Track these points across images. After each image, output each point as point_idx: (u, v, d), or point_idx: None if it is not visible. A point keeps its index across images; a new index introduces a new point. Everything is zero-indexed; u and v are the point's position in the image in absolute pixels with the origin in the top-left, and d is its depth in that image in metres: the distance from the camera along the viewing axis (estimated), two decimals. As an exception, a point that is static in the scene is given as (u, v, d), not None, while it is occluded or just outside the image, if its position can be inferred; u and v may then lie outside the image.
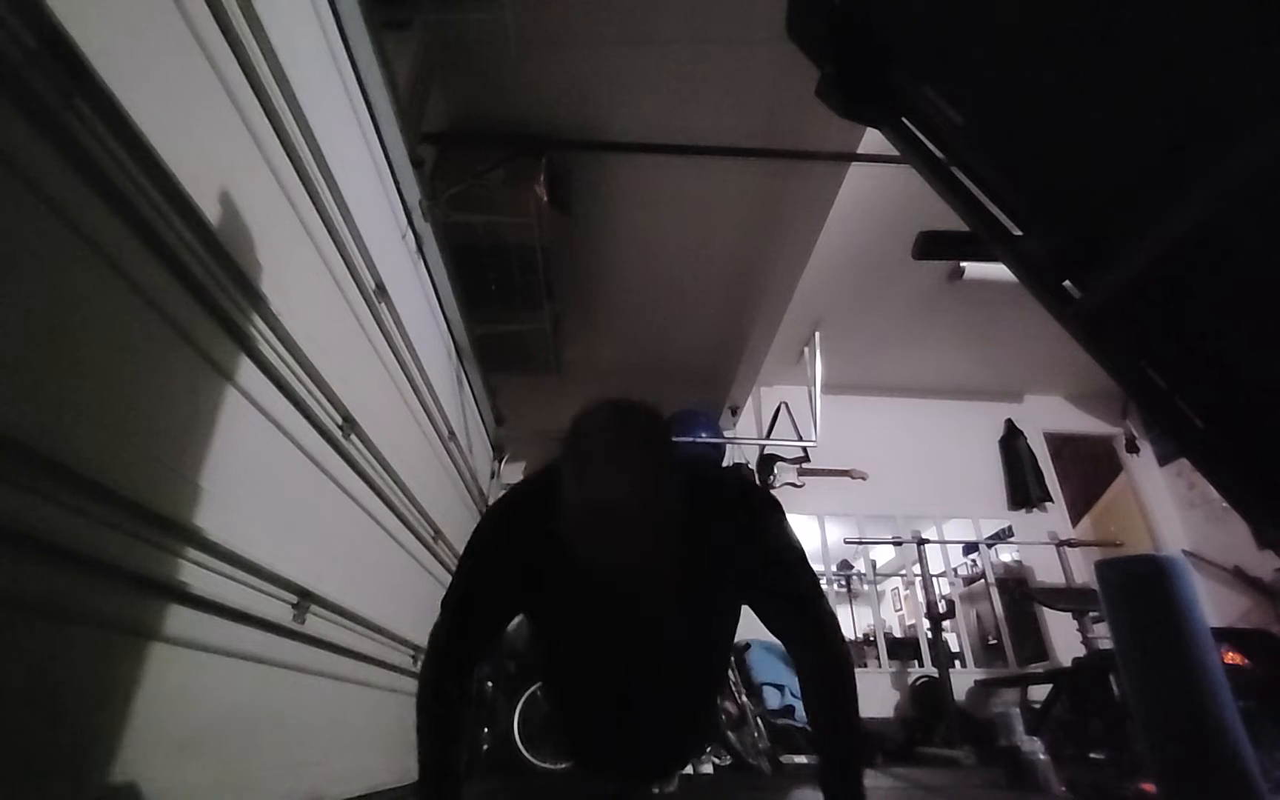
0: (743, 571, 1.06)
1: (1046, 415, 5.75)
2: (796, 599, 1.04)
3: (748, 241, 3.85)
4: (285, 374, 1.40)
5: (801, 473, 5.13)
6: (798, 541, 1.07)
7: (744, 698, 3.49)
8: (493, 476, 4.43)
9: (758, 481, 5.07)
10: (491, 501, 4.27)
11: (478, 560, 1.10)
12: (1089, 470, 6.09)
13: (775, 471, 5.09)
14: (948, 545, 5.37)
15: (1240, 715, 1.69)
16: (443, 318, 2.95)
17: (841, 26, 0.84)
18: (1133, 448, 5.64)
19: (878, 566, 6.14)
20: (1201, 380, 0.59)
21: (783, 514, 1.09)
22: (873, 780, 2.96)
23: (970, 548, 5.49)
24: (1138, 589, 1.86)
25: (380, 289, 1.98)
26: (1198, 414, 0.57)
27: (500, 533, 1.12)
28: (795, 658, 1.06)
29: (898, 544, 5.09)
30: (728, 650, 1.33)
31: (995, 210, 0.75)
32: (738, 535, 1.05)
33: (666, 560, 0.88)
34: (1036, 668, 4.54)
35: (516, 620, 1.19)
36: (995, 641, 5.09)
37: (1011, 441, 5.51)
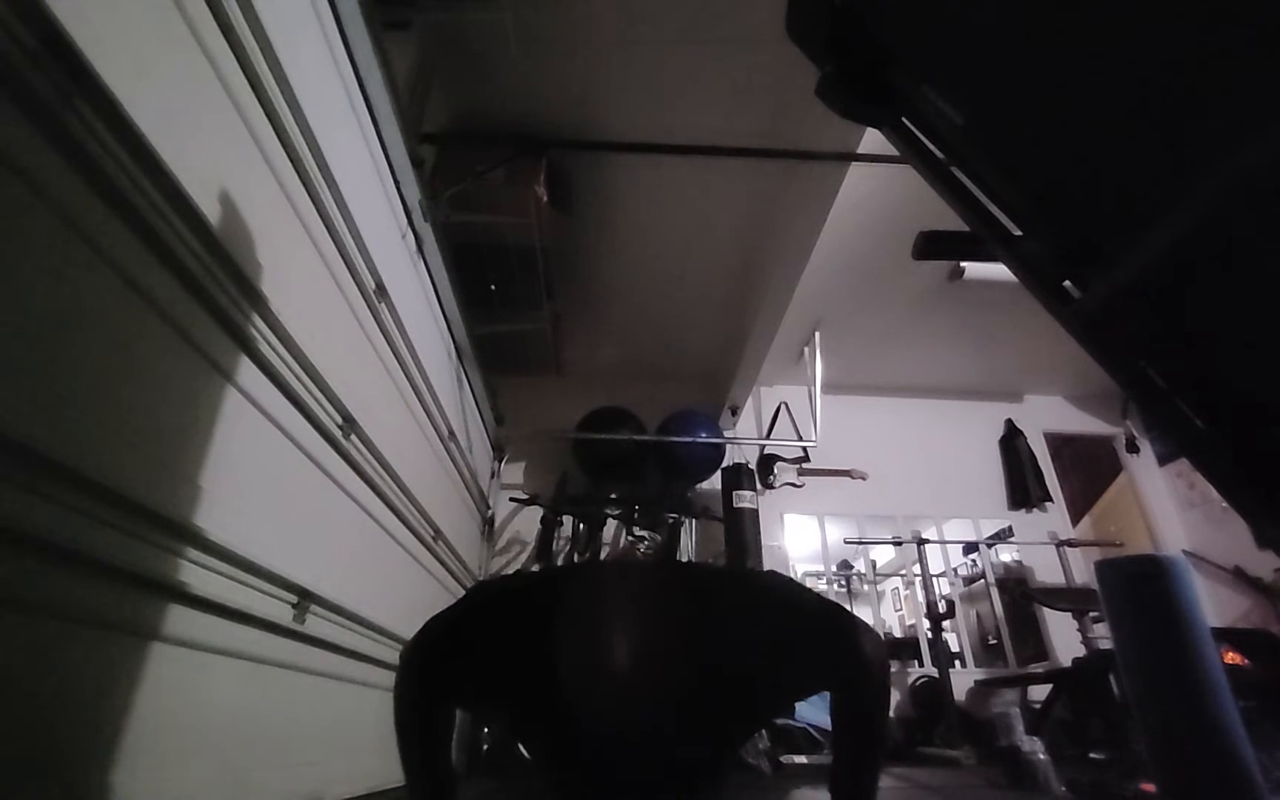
0: (773, 682, 0.98)
1: (1046, 415, 5.75)
2: (829, 632, 0.96)
3: (748, 241, 3.85)
4: (285, 374, 1.40)
5: (801, 473, 5.13)
6: (811, 593, 1.01)
7: (744, 698, 3.48)
8: (493, 476, 4.43)
9: (758, 482, 5.07)
10: (491, 501, 4.28)
11: (475, 601, 1.05)
12: (1089, 470, 6.09)
13: (775, 471, 5.09)
14: (948, 545, 5.36)
15: (1240, 715, 1.69)
16: (443, 318, 2.95)
17: (841, 26, 0.84)
18: (1133, 448, 5.64)
19: (878, 566, 6.13)
20: (1202, 380, 0.59)
21: (787, 578, 1.04)
22: (873, 780, 2.95)
23: (970, 548, 5.49)
24: (1138, 589, 1.86)
25: (380, 289, 1.98)
26: (1198, 414, 0.57)
27: (501, 598, 1.05)
28: (837, 697, 0.96)
29: (898, 544, 5.08)
30: (745, 734, 1.19)
31: (995, 210, 0.74)
32: (749, 625, 0.96)
33: (665, 707, 0.82)
34: (1036, 668, 4.53)
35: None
36: (995, 641, 5.09)
37: (1011, 441, 5.51)
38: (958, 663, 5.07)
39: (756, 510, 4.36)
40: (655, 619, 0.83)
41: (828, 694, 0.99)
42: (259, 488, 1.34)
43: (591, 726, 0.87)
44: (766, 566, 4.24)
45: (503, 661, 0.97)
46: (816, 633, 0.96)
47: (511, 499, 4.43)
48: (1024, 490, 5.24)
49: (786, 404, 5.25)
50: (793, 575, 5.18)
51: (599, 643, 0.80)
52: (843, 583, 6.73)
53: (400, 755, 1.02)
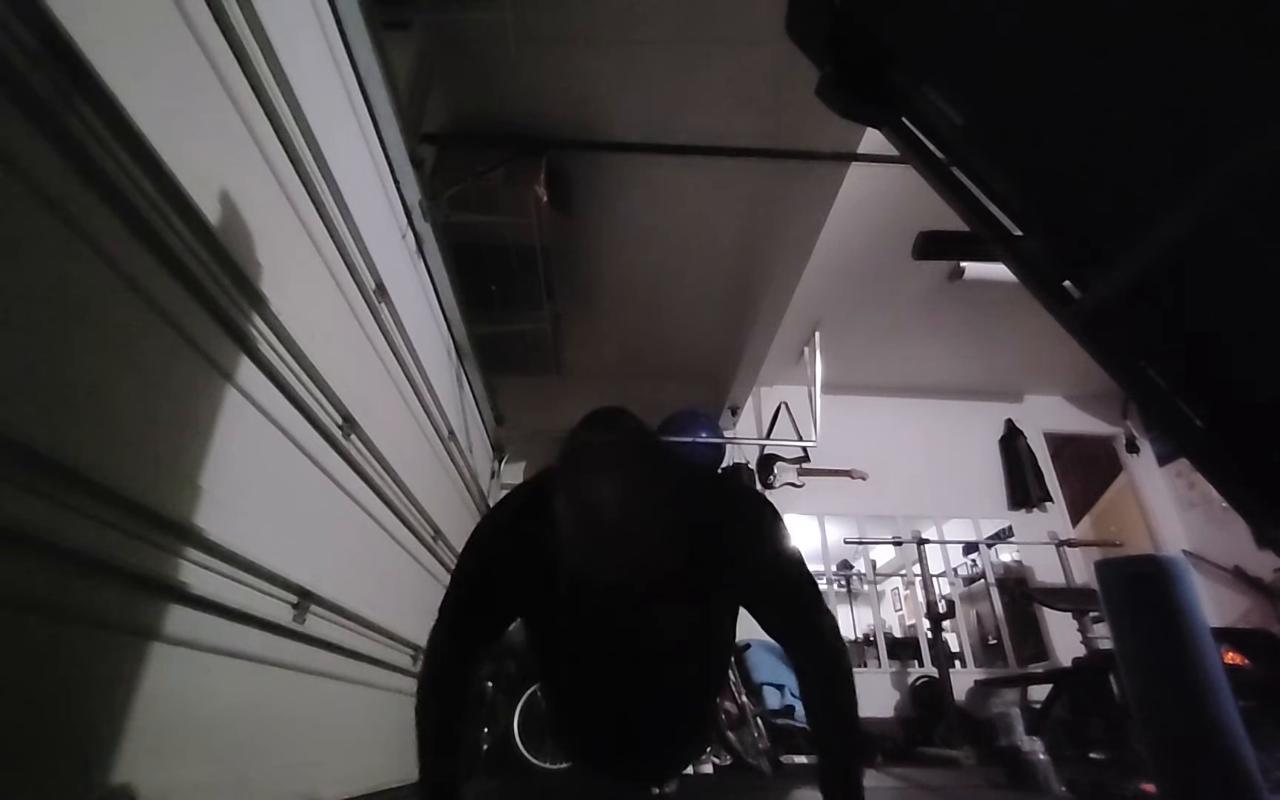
0: (741, 574, 1.06)
1: (1046, 415, 5.75)
2: (794, 600, 1.05)
3: (748, 241, 3.85)
4: (285, 374, 1.40)
5: (801, 473, 5.13)
6: (794, 545, 1.07)
7: (744, 698, 3.49)
8: (493, 476, 4.43)
9: (758, 483, 5.07)
10: (492, 502, 4.29)
11: (474, 564, 1.10)
12: (1089, 470, 6.09)
13: (775, 471, 5.09)
14: (948, 545, 5.37)
15: (1240, 715, 1.69)
16: (443, 318, 2.95)
17: (841, 26, 0.84)
18: (1133, 448, 5.64)
19: (878, 566, 6.14)
20: (1202, 380, 0.59)
21: (780, 517, 1.10)
22: (873, 780, 2.97)
23: (970, 548, 5.49)
24: (1138, 589, 1.86)
25: (380, 289, 1.98)
26: (1198, 414, 0.57)
27: (497, 537, 1.12)
28: (794, 661, 1.06)
29: (898, 544, 5.09)
30: (727, 652, 1.33)
31: (995, 210, 0.74)
32: (735, 538, 1.04)
33: (662, 564, 0.88)
34: (1036, 668, 4.54)
35: (515, 622, 1.19)
36: (995, 641, 5.09)
37: (1011, 441, 5.51)
38: (958, 663, 5.07)
39: (756, 510, 4.36)
40: (650, 494, 0.88)
41: (796, 674, 1.08)
42: (259, 488, 1.34)
43: (592, 601, 0.94)
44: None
45: (515, 586, 1.06)
46: (780, 590, 1.06)
47: (511, 499, 4.43)
48: (1024, 490, 5.24)
49: (786, 404, 5.25)
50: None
51: (597, 507, 0.84)
52: (843, 583, 6.73)
53: (418, 731, 1.04)
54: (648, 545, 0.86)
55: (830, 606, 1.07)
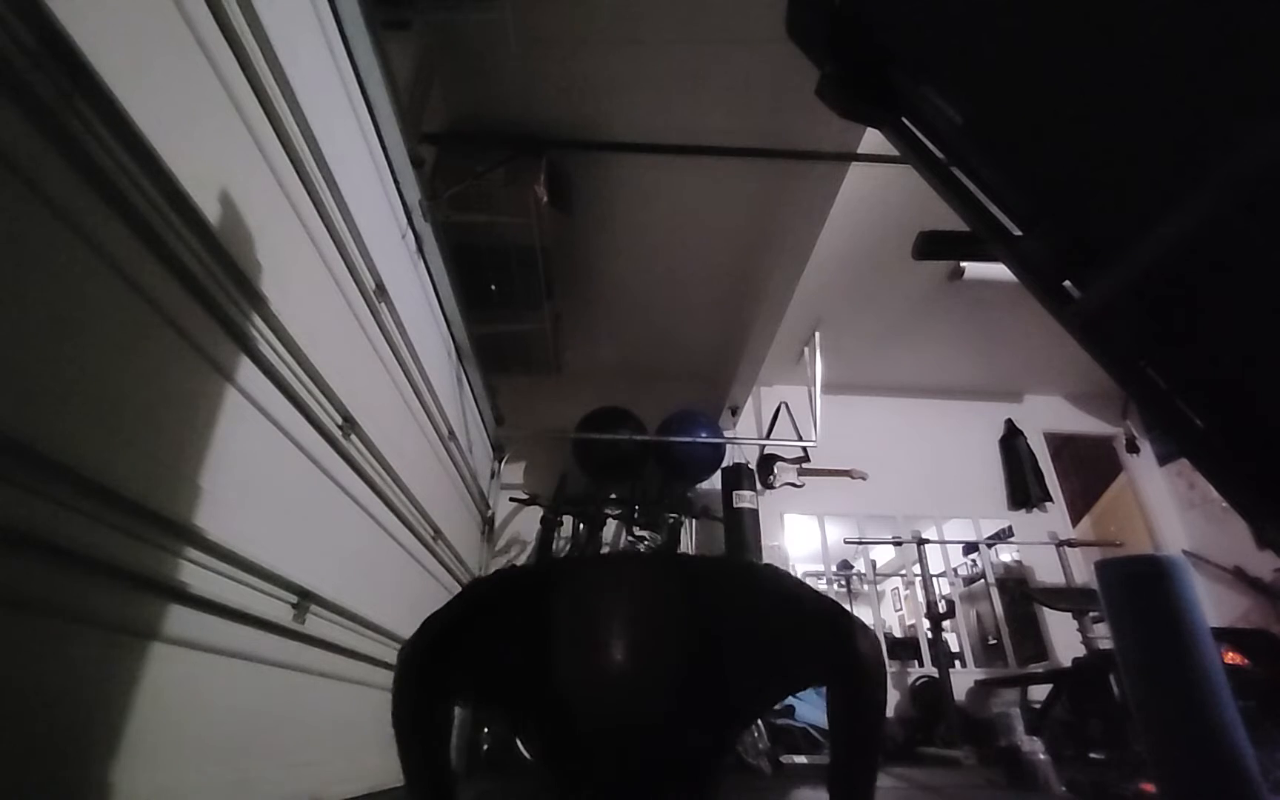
0: (762, 645, 0.97)
1: (1046, 415, 5.75)
2: (825, 638, 0.96)
3: (748, 241, 3.85)
4: (285, 374, 1.40)
5: (801, 473, 5.13)
6: (811, 592, 1.01)
7: (744, 698, 3.48)
8: (493, 476, 4.43)
9: (758, 482, 5.07)
10: (492, 501, 4.28)
11: (472, 598, 1.05)
12: (1089, 470, 6.09)
13: (775, 471, 5.09)
14: (948, 545, 5.37)
15: (1240, 715, 1.69)
16: (443, 318, 2.95)
17: (841, 27, 0.84)
18: (1133, 448, 5.64)
19: (878, 566, 6.13)
20: (1201, 380, 0.59)
21: (787, 575, 1.04)
22: (873, 780, 2.96)
23: (970, 548, 5.49)
24: (1138, 589, 1.86)
25: (380, 289, 1.98)
26: (1198, 414, 0.57)
27: (503, 593, 1.05)
28: (834, 695, 0.97)
29: (898, 544, 5.08)
30: (741, 724, 1.21)
31: (995, 210, 0.74)
32: (746, 616, 0.96)
33: (662, 708, 0.83)
34: (1036, 668, 4.54)
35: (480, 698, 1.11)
36: (995, 641, 5.09)
37: (1011, 441, 5.51)
38: (958, 663, 5.07)
39: (756, 510, 4.37)
40: (651, 608, 0.83)
41: (826, 693, 0.99)
42: (259, 488, 1.34)
43: (589, 718, 0.87)
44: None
45: (501, 656, 0.97)
46: (813, 628, 0.96)
47: (511, 499, 4.43)
48: (1024, 490, 5.24)
49: (786, 404, 5.25)
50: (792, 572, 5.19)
51: (595, 632, 0.81)
52: (843, 583, 6.73)
53: (399, 755, 1.01)
54: (648, 679, 0.81)
55: (868, 628, 0.96)
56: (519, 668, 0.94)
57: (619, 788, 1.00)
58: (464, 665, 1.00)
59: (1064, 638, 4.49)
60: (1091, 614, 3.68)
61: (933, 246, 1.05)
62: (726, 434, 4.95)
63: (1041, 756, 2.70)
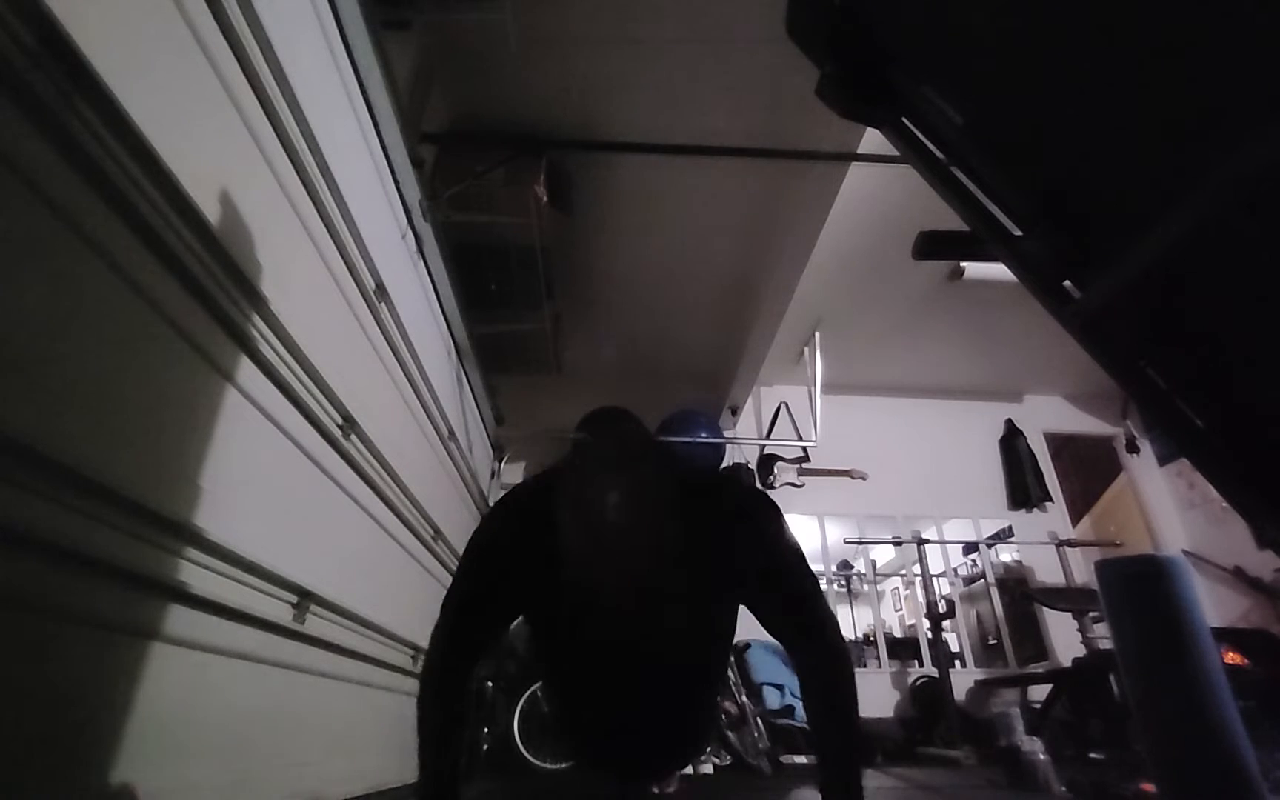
0: (741, 571, 1.06)
1: (1046, 415, 5.75)
2: (796, 598, 1.05)
3: (748, 241, 3.85)
4: (285, 374, 1.40)
5: (801, 473, 5.13)
6: (796, 542, 1.08)
7: (744, 698, 3.49)
8: (493, 476, 4.43)
9: (758, 482, 5.07)
10: (492, 502, 4.28)
11: (477, 560, 1.11)
12: (1089, 470, 6.09)
13: (775, 471, 5.09)
14: (948, 545, 5.37)
15: (1240, 715, 1.69)
16: (443, 318, 2.95)
17: (842, 26, 0.84)
18: (1133, 448, 5.64)
19: (878, 566, 6.14)
20: (1201, 380, 0.59)
21: (781, 515, 1.10)
22: (873, 780, 2.96)
23: (970, 548, 5.49)
24: (1138, 589, 1.86)
25: (380, 289, 1.98)
26: (1198, 414, 0.57)
27: (499, 534, 1.12)
28: (795, 659, 1.06)
29: (898, 544, 5.09)
30: (727, 649, 1.33)
31: (995, 210, 0.74)
32: (736, 536, 1.05)
33: (662, 565, 0.89)
34: (1036, 668, 4.54)
35: (517, 621, 1.20)
36: (995, 641, 5.09)
37: (1011, 441, 5.51)
38: (958, 663, 5.07)
39: (756, 510, 4.36)
40: (651, 496, 0.89)
41: (798, 676, 1.08)
42: (259, 488, 1.34)
43: (594, 598, 0.94)
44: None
45: (517, 583, 1.07)
46: (782, 588, 1.06)
47: (511, 499, 4.43)
48: (1024, 490, 5.24)
49: (786, 404, 5.25)
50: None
51: (600, 507, 0.86)
52: (843, 583, 6.73)
53: (419, 728, 1.05)
54: (648, 547, 0.87)
55: (830, 606, 1.07)
56: (534, 584, 1.04)
57: (626, 667, 1.11)
58: (497, 590, 1.10)
59: (1064, 638, 4.49)
60: (1091, 614, 3.68)
61: (933, 246, 1.05)
62: (726, 434, 4.96)
63: (1041, 756, 2.70)
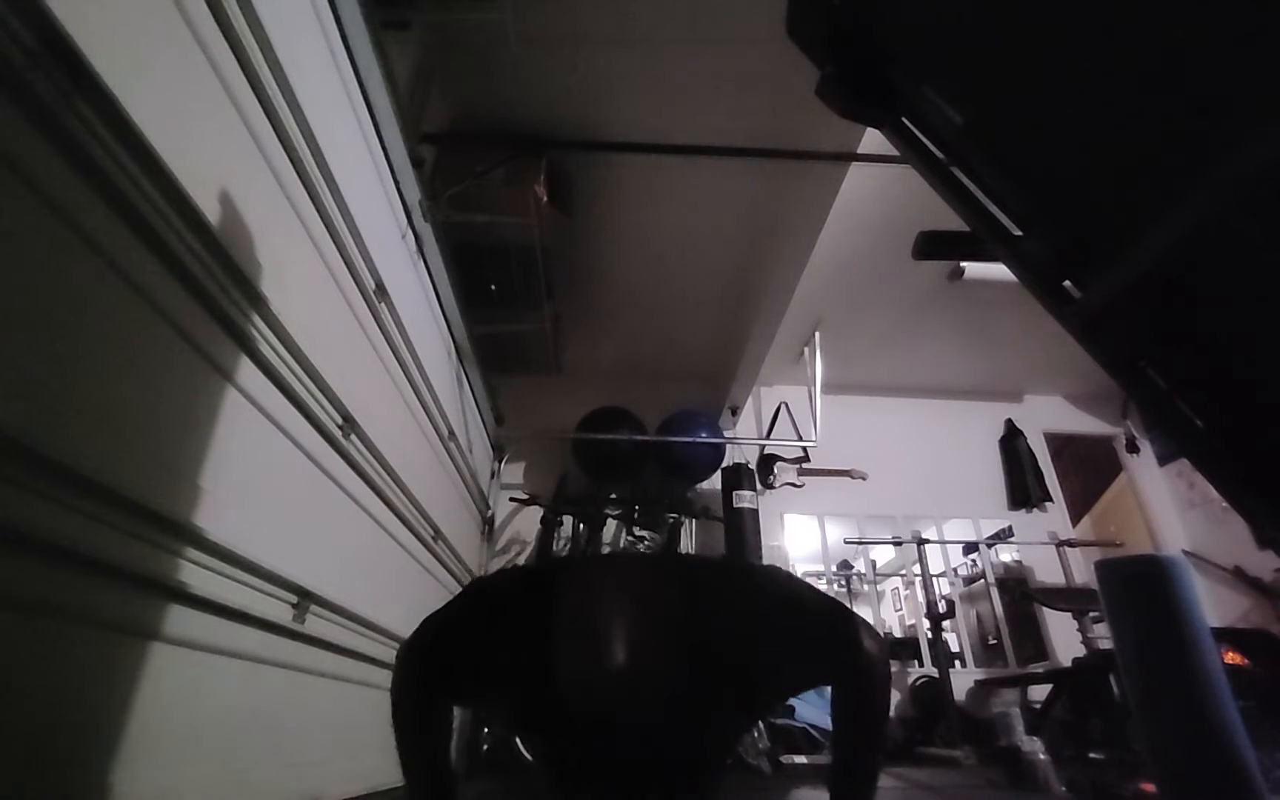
0: (763, 647, 0.96)
1: (1046, 415, 5.75)
2: (830, 639, 0.95)
3: (748, 241, 3.85)
4: (285, 374, 1.40)
5: (801, 473, 5.13)
6: (812, 591, 1.01)
7: (744, 698, 3.48)
8: (493, 476, 4.43)
9: (758, 482, 5.07)
10: (492, 501, 4.28)
11: (473, 595, 1.06)
12: (1089, 470, 6.09)
13: (775, 471, 5.09)
14: (948, 545, 5.37)
15: (1240, 715, 1.69)
16: (443, 318, 2.95)
17: (842, 27, 0.84)
18: (1133, 448, 5.64)
19: (878, 566, 6.13)
20: (1201, 380, 0.59)
21: (792, 577, 1.04)
22: (873, 780, 2.95)
23: (970, 548, 5.48)
24: (1138, 589, 1.86)
25: (380, 289, 1.98)
26: (1198, 414, 0.57)
27: (505, 594, 1.05)
28: (837, 694, 0.96)
29: (898, 544, 5.08)
30: (732, 746, 1.20)
31: (995, 210, 0.74)
32: (747, 618, 0.96)
33: (660, 696, 0.83)
34: (1036, 668, 4.53)
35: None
36: (995, 641, 5.09)
37: (1011, 441, 5.50)
38: (958, 663, 5.07)
39: (756, 510, 4.37)
40: (651, 610, 0.83)
41: (828, 694, 0.99)
42: (259, 488, 1.34)
43: (587, 719, 0.87)
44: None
45: (500, 655, 0.97)
46: (815, 629, 0.96)
47: (511, 499, 4.43)
48: (1024, 490, 5.24)
49: (786, 404, 5.25)
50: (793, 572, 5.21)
51: (595, 633, 0.80)
52: (843, 583, 6.73)
53: (399, 754, 1.02)
54: (647, 679, 0.81)
55: (867, 623, 0.96)
56: (519, 664, 0.94)
57: (617, 787, 1.00)
58: (464, 663, 1.00)
59: (1064, 638, 4.49)
60: (1091, 614, 3.68)
61: (933, 246, 1.05)
62: (726, 434, 4.95)
63: (1041, 756, 2.70)
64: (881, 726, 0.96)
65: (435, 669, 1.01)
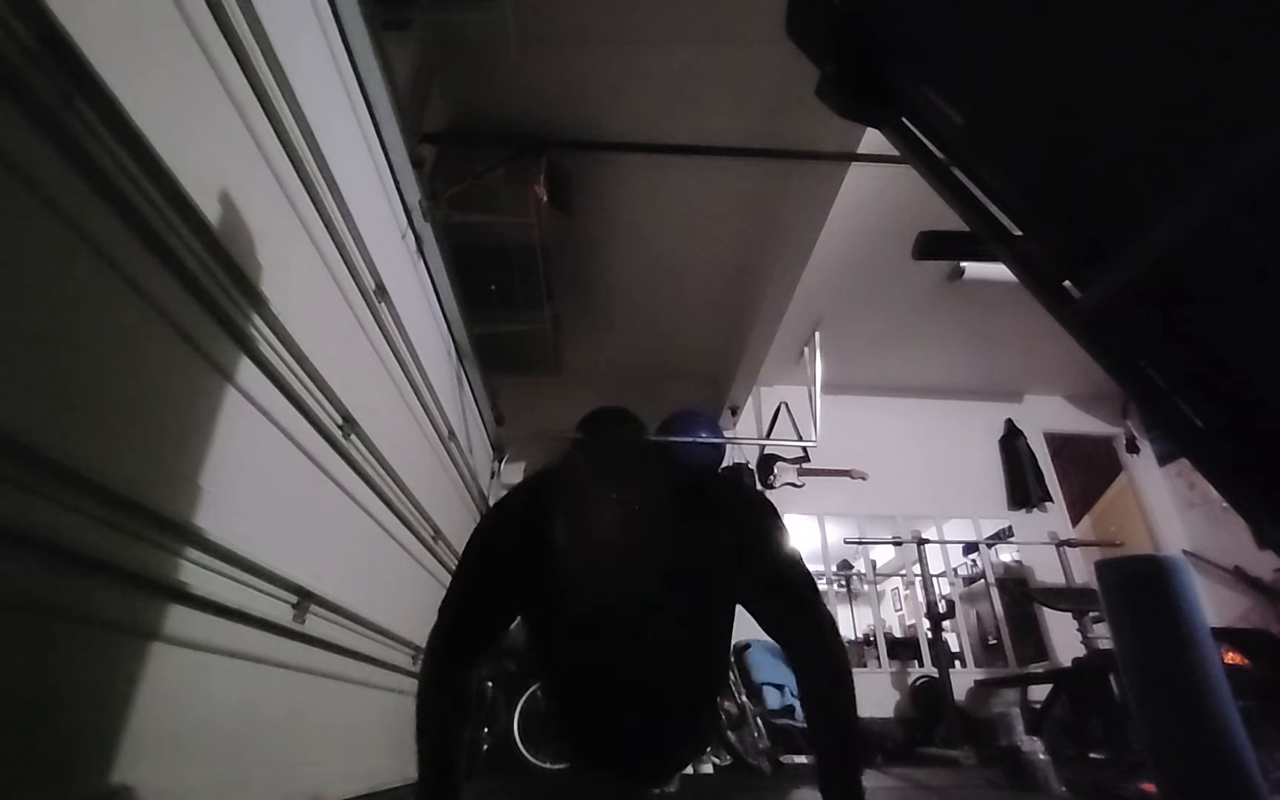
0: (740, 573, 1.06)
1: (1046, 415, 5.75)
2: (793, 600, 1.04)
3: (748, 241, 3.85)
4: (285, 374, 1.40)
5: (801, 473, 5.13)
6: (793, 545, 1.07)
7: (744, 698, 3.49)
8: (493, 476, 4.43)
9: (758, 482, 5.07)
10: (492, 501, 4.28)
11: (474, 563, 1.11)
12: (1089, 470, 6.09)
13: (775, 471, 5.09)
14: (948, 545, 5.37)
15: (1240, 715, 1.68)
16: (443, 318, 2.95)
17: (842, 26, 0.84)
18: (1133, 448, 5.64)
19: (878, 566, 6.14)
20: (1201, 380, 0.59)
21: (778, 517, 1.10)
22: (873, 780, 2.97)
23: (970, 548, 5.49)
24: (1138, 589, 1.86)
25: (380, 289, 1.98)
26: (1198, 414, 0.57)
27: (496, 537, 1.13)
28: (793, 660, 1.06)
29: (898, 544, 5.09)
30: (725, 650, 1.33)
31: (995, 210, 0.74)
32: (733, 536, 1.05)
33: (659, 568, 0.89)
34: (1036, 668, 4.54)
35: (515, 622, 1.20)
36: (995, 641, 5.09)
37: (1011, 441, 5.51)
38: (958, 663, 5.07)
39: (756, 510, 4.36)
40: (644, 510, 0.89)
41: (796, 679, 1.07)
42: (259, 488, 1.34)
43: (593, 599, 0.95)
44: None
45: (519, 571, 1.06)
46: (780, 591, 1.05)
47: (511, 499, 4.43)
48: (1024, 490, 5.24)
49: (786, 404, 5.25)
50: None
51: (594, 533, 0.87)
52: (843, 583, 6.73)
53: (418, 730, 1.05)
54: (645, 552, 0.88)
55: (830, 607, 1.07)
56: (534, 576, 1.02)
57: (625, 669, 1.10)
58: (481, 628, 1.10)
59: (1064, 638, 4.49)
60: (1091, 614, 3.68)
61: (933, 246, 1.05)
62: (726, 434, 4.96)
63: (1041, 756, 2.70)
64: (846, 702, 1.00)
65: (463, 644, 1.09)
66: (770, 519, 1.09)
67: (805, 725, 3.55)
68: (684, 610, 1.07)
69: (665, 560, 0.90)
